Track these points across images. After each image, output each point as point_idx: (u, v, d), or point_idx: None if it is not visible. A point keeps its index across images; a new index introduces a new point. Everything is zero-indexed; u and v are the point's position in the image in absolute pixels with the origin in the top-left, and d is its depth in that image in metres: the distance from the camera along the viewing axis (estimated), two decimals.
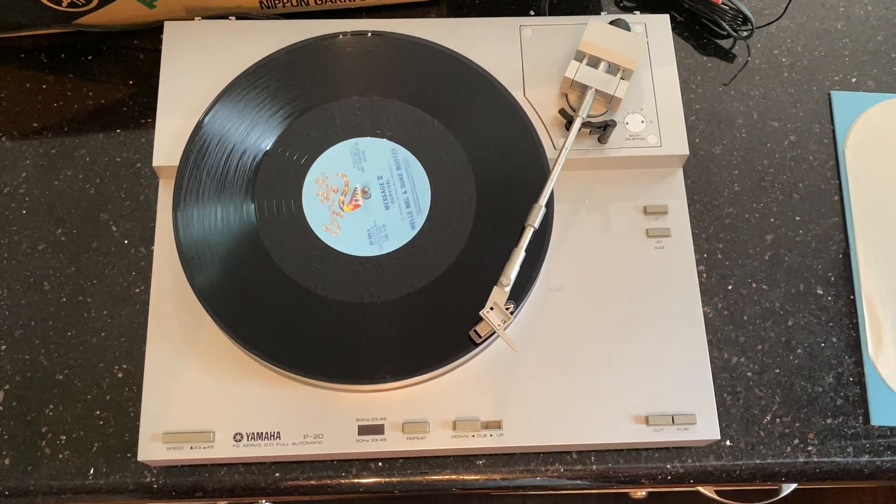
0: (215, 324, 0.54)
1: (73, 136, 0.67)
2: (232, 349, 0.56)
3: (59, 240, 0.64)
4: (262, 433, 0.54)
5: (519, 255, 0.54)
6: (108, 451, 0.59)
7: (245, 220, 0.56)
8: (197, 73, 0.61)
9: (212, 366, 0.56)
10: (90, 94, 0.68)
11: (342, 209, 0.57)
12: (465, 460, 0.59)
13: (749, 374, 0.62)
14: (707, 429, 0.55)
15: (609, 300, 0.58)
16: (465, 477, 0.59)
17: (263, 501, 0.92)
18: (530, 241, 0.55)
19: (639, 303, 0.58)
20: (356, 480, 0.59)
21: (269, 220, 0.56)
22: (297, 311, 0.54)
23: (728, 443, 0.60)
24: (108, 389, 0.60)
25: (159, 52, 0.69)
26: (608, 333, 0.57)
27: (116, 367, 0.60)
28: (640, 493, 1.04)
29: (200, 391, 0.55)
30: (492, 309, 0.53)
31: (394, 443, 0.54)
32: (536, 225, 0.55)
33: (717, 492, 0.77)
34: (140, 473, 0.58)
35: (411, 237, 0.56)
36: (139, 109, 0.68)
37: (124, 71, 0.69)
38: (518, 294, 0.54)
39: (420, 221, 0.57)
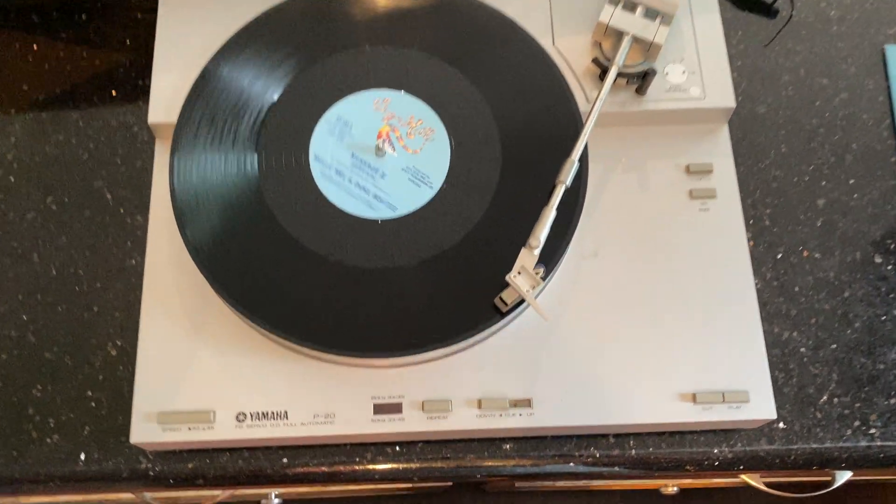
0: (215, 291, 0.49)
1: (65, 100, 0.62)
2: (234, 321, 0.51)
3: (49, 208, 0.59)
4: (267, 413, 0.49)
5: (549, 215, 0.49)
6: (101, 434, 0.54)
7: (248, 173, 0.51)
8: (196, 22, 0.56)
9: (212, 340, 0.51)
10: (84, 54, 0.64)
11: (356, 166, 0.52)
12: (490, 444, 0.54)
13: (802, 349, 0.56)
14: (762, 407, 0.50)
15: (649, 267, 0.53)
16: (491, 462, 0.54)
17: (273, 496, 0.87)
18: (562, 201, 0.50)
19: (682, 270, 0.52)
20: (371, 467, 0.53)
21: (274, 175, 0.51)
22: (304, 277, 0.49)
23: (781, 425, 0.54)
24: (101, 368, 0.55)
25: (156, 10, 0.64)
26: (648, 304, 0.52)
27: (110, 343, 0.55)
28: (671, 488, 0.98)
29: (200, 368, 0.50)
30: (519, 273, 0.47)
31: (413, 423, 0.49)
32: (569, 182, 0.50)
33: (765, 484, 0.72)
34: (135, 459, 0.53)
35: (430, 197, 0.51)
36: (136, 71, 0.63)
37: (120, 31, 0.64)
38: (549, 259, 0.49)
39: (439, 180, 0.52)
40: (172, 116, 0.53)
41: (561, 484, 0.76)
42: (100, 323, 0.56)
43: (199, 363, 0.50)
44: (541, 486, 0.83)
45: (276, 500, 0.89)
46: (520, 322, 0.51)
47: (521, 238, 0.49)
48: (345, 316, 0.48)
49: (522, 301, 0.48)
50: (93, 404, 0.54)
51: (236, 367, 0.50)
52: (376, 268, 0.49)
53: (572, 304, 0.52)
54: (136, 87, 0.63)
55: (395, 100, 0.54)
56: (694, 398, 0.50)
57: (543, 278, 0.48)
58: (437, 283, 0.49)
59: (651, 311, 0.52)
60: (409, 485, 0.70)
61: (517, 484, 0.74)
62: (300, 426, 0.49)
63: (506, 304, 0.48)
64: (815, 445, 0.54)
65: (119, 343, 0.55)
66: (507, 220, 0.50)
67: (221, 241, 0.49)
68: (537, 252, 0.48)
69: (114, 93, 0.63)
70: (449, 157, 0.52)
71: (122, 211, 0.59)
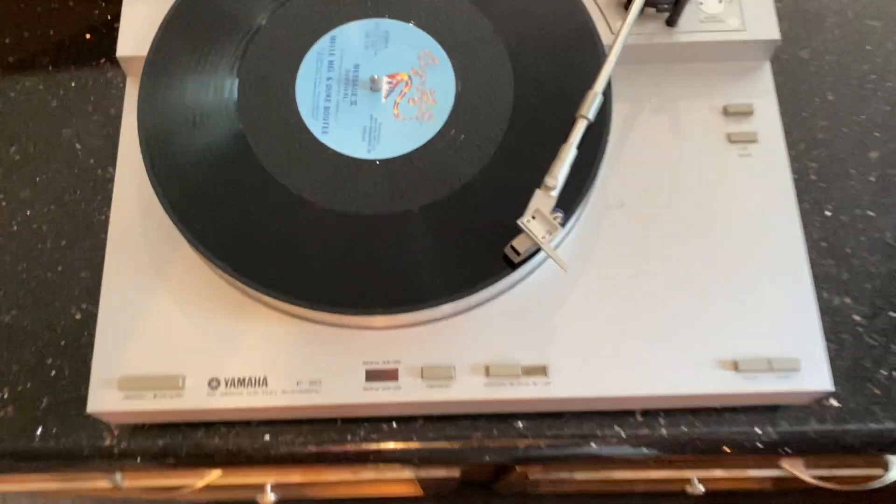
0: (184, 237, 0.43)
1: (33, 42, 0.57)
2: (208, 277, 0.45)
3: (12, 159, 0.53)
4: (244, 379, 0.43)
5: (569, 153, 0.42)
6: (60, 407, 0.47)
7: (224, 103, 0.45)
8: None
9: (184, 297, 0.44)
10: None
11: (348, 101, 0.46)
12: (500, 422, 0.47)
13: (857, 318, 0.49)
14: (815, 377, 0.43)
15: (683, 219, 0.46)
16: (501, 443, 0.47)
17: (269, 489, 0.80)
18: (583, 139, 0.43)
19: (721, 222, 0.46)
20: (365, 446, 0.47)
21: (255, 107, 0.45)
22: (288, 223, 0.43)
23: (834, 402, 0.47)
24: (63, 334, 0.49)
25: None
26: (682, 259, 0.45)
27: (74, 307, 0.49)
28: (698, 488, 0.90)
29: (168, 328, 0.44)
30: (534, 218, 0.41)
31: (411, 391, 0.43)
32: (591, 116, 0.43)
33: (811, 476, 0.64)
34: (98, 435, 0.47)
35: (432, 135, 0.45)
36: (113, 11, 0.57)
37: None
38: (568, 207, 0.43)
39: (442, 118, 0.45)
40: (144, 49, 0.48)
41: (580, 477, 0.69)
42: (64, 284, 0.50)
43: (167, 323, 0.44)
44: (556, 482, 0.76)
45: (273, 496, 0.83)
46: (534, 278, 0.45)
47: (535, 182, 0.43)
48: (333, 268, 0.42)
49: (537, 250, 0.42)
50: (53, 373, 0.48)
51: (210, 328, 0.44)
52: (369, 214, 0.43)
53: (595, 259, 0.45)
54: (113, 30, 0.57)
55: (394, 29, 0.47)
56: (735, 366, 0.43)
57: (562, 224, 0.41)
58: (438, 232, 0.43)
59: (685, 268, 0.45)
60: (414, 483, 0.63)
61: (531, 476, 0.68)
62: (281, 394, 0.43)
63: (518, 253, 0.41)
64: (873, 426, 0.47)
65: (84, 307, 0.49)
66: (520, 162, 0.44)
67: (192, 178, 0.43)
68: (555, 194, 0.42)
69: (88, 36, 0.57)
70: (454, 91, 0.46)
71: (92, 162, 0.53)
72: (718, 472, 0.70)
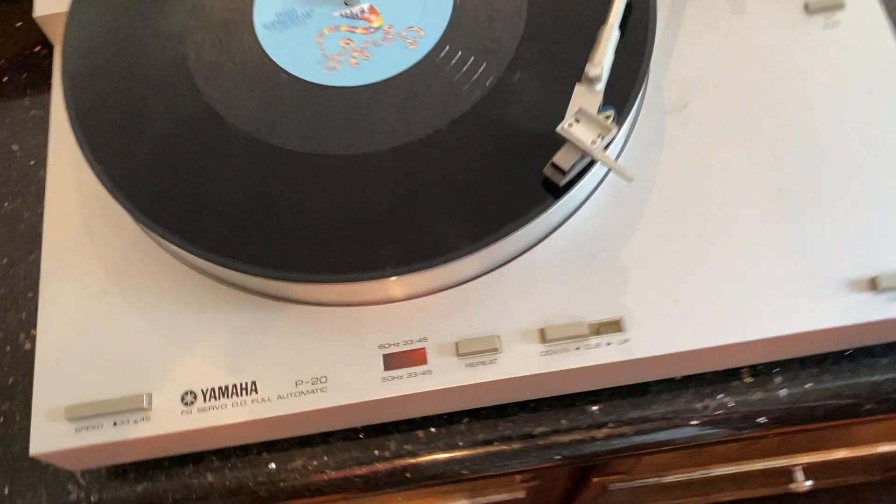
0: (131, 215, 0.33)
1: None
2: (167, 263, 0.35)
3: None
4: (226, 387, 0.33)
5: (610, 34, 0.32)
6: (12, 461, 0.38)
7: (162, 25, 0.36)
8: None
9: (138, 295, 0.35)
10: None
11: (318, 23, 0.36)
12: (567, 407, 0.36)
13: None
14: None
15: (766, 116, 0.36)
16: (574, 436, 0.36)
17: None
18: (625, 20, 0.33)
19: (815, 112, 0.35)
20: (398, 463, 0.36)
21: (203, 32, 0.36)
22: (254, 176, 0.33)
23: None
24: (11, 369, 0.39)
25: None
26: (775, 165, 0.35)
27: (23, 335, 0.40)
28: (803, 483, 0.78)
29: (124, 336, 0.34)
30: (577, 122, 0.31)
31: (445, 375, 0.32)
32: None
33: None
34: (61, 489, 0.37)
35: (426, 52, 0.35)
36: None
37: None
38: (620, 110, 0.32)
39: (440, 27, 0.36)
40: (65, 5, 0.39)
41: (669, 480, 0.57)
42: (8, 308, 0.41)
43: (122, 330, 0.34)
44: (636, 492, 0.64)
45: None
46: (587, 210, 0.34)
47: (569, 86, 0.32)
48: (322, 225, 0.32)
49: (587, 164, 0.32)
50: (0, 419, 0.38)
51: (176, 328, 0.34)
52: (356, 154, 0.33)
53: (662, 175, 0.35)
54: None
55: None
56: (874, 285, 0.32)
57: (617, 122, 0.31)
58: (451, 167, 0.33)
59: (781, 176, 0.34)
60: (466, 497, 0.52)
61: (610, 488, 0.56)
62: (277, 401, 0.32)
63: (562, 170, 0.31)
64: None
65: (34, 333, 0.40)
66: (543, 74, 0.34)
67: (129, 132, 0.34)
68: (600, 88, 0.32)
69: (18, 24, 0.48)
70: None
71: (32, 164, 0.44)
72: (841, 454, 0.58)
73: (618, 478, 0.54)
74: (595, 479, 0.53)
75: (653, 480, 0.56)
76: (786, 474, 0.70)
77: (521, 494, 0.56)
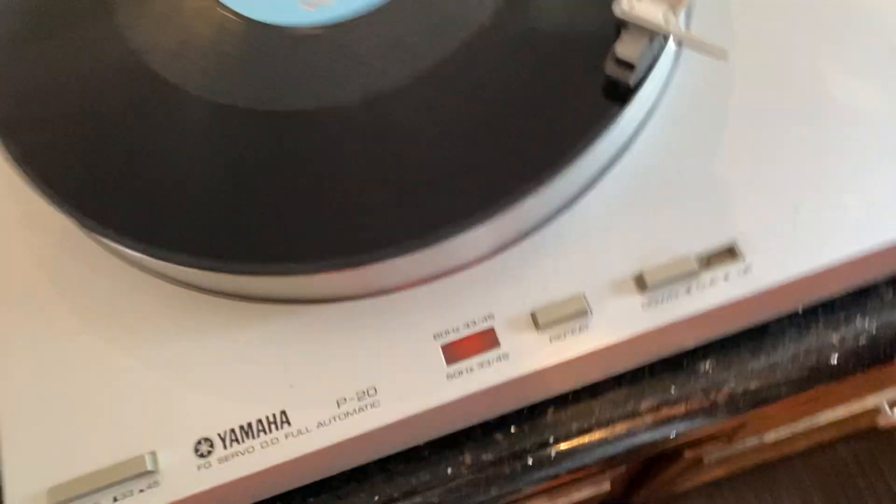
0: (74, 220, 0.26)
1: None
2: (145, 282, 0.28)
3: None
4: (249, 425, 0.25)
5: None
6: None
7: None
8: None
9: (120, 329, 0.27)
10: None
11: None
12: (674, 371, 0.29)
13: None
14: None
15: None
16: (692, 405, 0.29)
17: None
18: None
19: None
20: (479, 475, 0.29)
21: None
22: (240, 155, 0.26)
23: None
24: None
25: None
26: (880, 11, 0.27)
27: None
28: (891, 416, 0.70)
29: (108, 384, 0.26)
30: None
31: (526, 357, 0.25)
32: None
33: None
34: None
35: None
36: None
37: None
38: None
39: None
40: None
41: (772, 438, 0.49)
42: None
43: (104, 374, 0.26)
44: (723, 462, 0.57)
45: None
46: (657, 122, 0.27)
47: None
48: (341, 200, 0.25)
49: (655, 59, 0.24)
50: None
51: (170, 360, 0.26)
52: (371, 97, 0.26)
53: (740, 59, 0.27)
54: None
55: None
56: None
57: None
58: (488, 92, 0.25)
59: (891, 30, 0.27)
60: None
61: (706, 460, 0.48)
62: (317, 430, 0.25)
63: (629, 64, 0.24)
64: None
65: None
66: None
67: (52, 108, 0.27)
68: None
69: None
70: None
71: None
72: None
73: (715, 445, 0.46)
74: (688, 454, 0.46)
75: (753, 442, 0.48)
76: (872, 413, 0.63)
77: (605, 487, 0.48)
